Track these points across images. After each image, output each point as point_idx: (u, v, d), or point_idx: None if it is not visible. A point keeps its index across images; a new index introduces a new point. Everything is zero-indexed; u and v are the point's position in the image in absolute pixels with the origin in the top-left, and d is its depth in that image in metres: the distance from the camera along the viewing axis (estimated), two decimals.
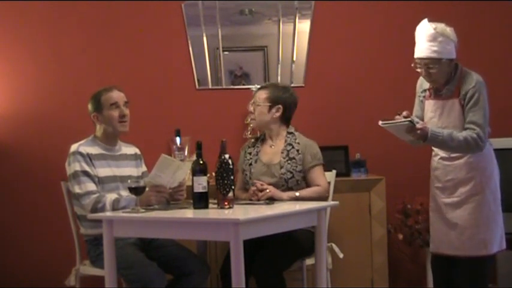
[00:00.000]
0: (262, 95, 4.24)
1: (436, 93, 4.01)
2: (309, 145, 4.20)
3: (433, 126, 3.90)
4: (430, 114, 4.02)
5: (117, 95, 4.04)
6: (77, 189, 3.87)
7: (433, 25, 3.90)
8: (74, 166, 3.89)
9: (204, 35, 5.29)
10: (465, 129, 3.85)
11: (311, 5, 5.34)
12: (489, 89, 3.96)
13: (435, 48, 3.85)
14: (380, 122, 3.83)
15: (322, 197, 4.13)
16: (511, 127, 5.17)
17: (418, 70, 3.94)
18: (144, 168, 4.21)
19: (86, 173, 3.87)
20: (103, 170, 3.95)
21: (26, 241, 5.11)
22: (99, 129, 4.07)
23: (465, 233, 3.91)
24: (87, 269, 4.05)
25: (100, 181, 3.92)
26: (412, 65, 3.96)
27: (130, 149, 4.20)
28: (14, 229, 5.11)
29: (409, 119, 3.78)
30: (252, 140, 4.44)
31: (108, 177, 3.94)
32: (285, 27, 5.35)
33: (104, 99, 4.01)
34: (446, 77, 3.95)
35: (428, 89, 4.07)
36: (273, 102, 4.21)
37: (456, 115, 3.91)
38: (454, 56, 3.91)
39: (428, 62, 3.88)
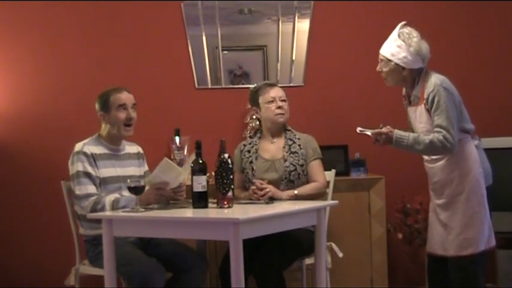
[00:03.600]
0: (282, 91, 4.34)
1: (410, 100, 4.09)
2: (309, 140, 4.29)
3: (400, 131, 3.97)
4: (411, 121, 4.13)
5: (125, 97, 4.03)
6: (76, 191, 3.87)
7: (403, 29, 3.99)
8: (77, 166, 3.89)
9: (204, 34, 5.30)
10: (434, 132, 3.89)
11: (310, 5, 5.34)
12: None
13: (390, 49, 3.98)
14: (358, 129, 3.96)
15: (321, 193, 4.16)
16: (502, 127, 5.17)
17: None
18: (146, 168, 4.21)
19: (87, 175, 3.87)
20: (107, 170, 3.95)
21: (25, 241, 5.11)
22: (104, 129, 4.06)
23: (451, 233, 3.96)
24: (87, 269, 4.05)
25: (103, 181, 3.91)
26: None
27: (133, 148, 4.21)
28: (14, 229, 5.11)
29: (375, 130, 3.93)
30: (248, 138, 4.45)
31: (111, 178, 3.94)
32: (284, 26, 5.35)
33: (113, 99, 4.00)
34: (396, 82, 4.06)
35: (404, 97, 4.17)
36: (287, 98, 4.33)
37: (425, 120, 3.96)
38: (410, 66, 3.95)
39: (381, 59, 4.04)
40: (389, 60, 3.98)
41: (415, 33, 3.97)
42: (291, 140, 4.25)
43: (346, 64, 5.40)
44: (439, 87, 3.87)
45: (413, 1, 5.32)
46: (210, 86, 5.31)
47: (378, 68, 4.06)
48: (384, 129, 3.90)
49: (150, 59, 5.25)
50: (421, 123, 3.98)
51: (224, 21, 5.31)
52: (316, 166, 4.21)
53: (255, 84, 4.52)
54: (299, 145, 4.22)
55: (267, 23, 5.40)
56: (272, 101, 4.24)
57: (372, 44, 5.37)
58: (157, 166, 3.74)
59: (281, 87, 4.41)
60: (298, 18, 5.35)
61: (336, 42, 5.40)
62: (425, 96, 3.91)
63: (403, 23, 4.02)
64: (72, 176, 3.92)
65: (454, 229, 3.94)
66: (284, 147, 4.23)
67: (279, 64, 5.36)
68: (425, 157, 4.08)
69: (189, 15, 5.27)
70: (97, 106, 4.06)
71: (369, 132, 3.94)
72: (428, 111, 3.91)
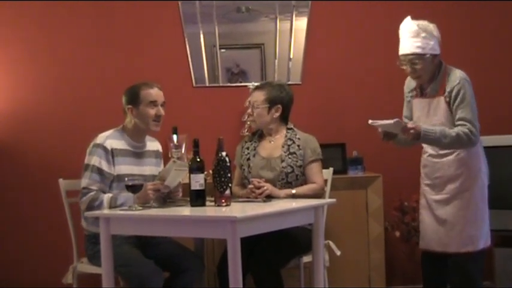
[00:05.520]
0: (260, 96, 4.23)
1: (422, 92, 4.08)
2: (309, 140, 4.24)
3: (424, 125, 3.95)
4: (418, 113, 4.08)
5: (156, 93, 3.99)
6: (83, 183, 3.85)
7: (415, 22, 3.99)
8: (93, 159, 3.84)
9: (201, 32, 5.29)
10: (456, 126, 3.90)
11: (308, 3, 5.34)
12: (479, 88, 4.02)
13: (418, 44, 3.94)
14: (369, 121, 3.90)
15: (318, 195, 4.15)
16: (500, 125, 5.17)
17: (403, 67, 4.01)
18: (161, 167, 4.18)
19: (98, 170, 3.83)
20: (124, 168, 3.91)
21: (23, 239, 5.11)
22: (129, 122, 4.00)
23: (454, 229, 3.97)
24: (85, 267, 4.05)
25: (117, 178, 3.87)
26: (397, 63, 4.04)
27: (154, 145, 4.17)
28: (12, 227, 5.11)
29: (396, 119, 3.85)
30: (249, 135, 4.44)
31: (126, 175, 3.83)
32: (282, 24, 5.35)
33: (144, 94, 3.95)
34: (430, 74, 4.01)
35: (415, 89, 4.13)
36: (271, 103, 4.21)
37: (442, 113, 3.96)
38: (438, 52, 3.99)
39: (413, 58, 3.96)
40: (423, 55, 3.94)
41: (424, 21, 3.99)
42: (290, 139, 4.23)
43: (343, 62, 5.40)
44: (464, 80, 3.91)
45: (411, 0, 5.32)
46: (207, 84, 5.31)
47: (408, 71, 3.99)
48: (410, 124, 3.87)
49: (147, 57, 5.25)
50: (436, 116, 3.97)
51: (222, 20, 5.31)
52: (314, 168, 4.18)
53: (253, 83, 4.51)
54: (298, 145, 4.20)
55: (265, 21, 5.39)
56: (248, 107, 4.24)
57: (369, 42, 5.40)
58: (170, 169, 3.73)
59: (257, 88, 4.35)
60: (295, 16, 5.35)
61: (334, 41, 5.40)
62: (448, 89, 3.92)
63: (409, 17, 4.03)
64: (85, 166, 3.88)
65: (456, 225, 3.95)
66: (283, 147, 4.21)
67: (276, 62, 5.35)
68: (431, 151, 4.06)
69: (186, 14, 5.26)
70: (125, 99, 3.99)
71: (380, 124, 3.89)
72: (448, 104, 3.92)
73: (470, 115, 3.87)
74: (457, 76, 3.94)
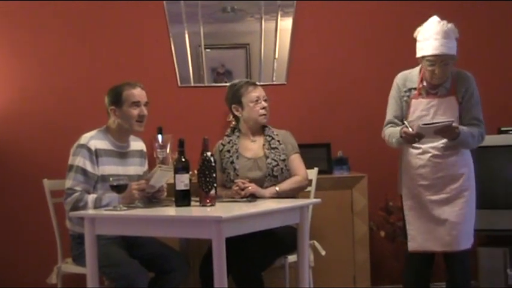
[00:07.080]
0: (263, 91, 4.29)
1: (429, 91, 4.03)
2: (287, 135, 4.30)
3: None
4: (421, 112, 4.02)
5: (139, 94, 3.97)
6: (67, 184, 3.82)
7: (443, 21, 3.97)
8: (77, 160, 3.82)
9: (186, 32, 5.29)
10: (468, 125, 3.95)
11: (293, 3, 5.34)
12: None
13: (450, 45, 3.92)
14: (421, 124, 3.83)
15: (302, 186, 4.19)
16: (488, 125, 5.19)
17: (430, 68, 3.93)
18: (146, 167, 4.17)
19: (83, 171, 3.81)
20: (108, 168, 3.90)
21: (7, 239, 5.09)
22: (113, 122, 3.98)
23: (455, 229, 3.97)
24: (69, 267, 4.04)
25: (102, 178, 3.86)
26: (422, 62, 3.99)
27: (138, 145, 4.16)
28: None
29: (451, 119, 3.85)
30: (225, 137, 4.41)
31: (111, 176, 3.79)
32: (267, 24, 5.35)
33: (126, 95, 3.93)
34: None
35: (418, 88, 4.06)
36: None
37: (452, 112, 3.98)
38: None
39: (445, 59, 3.91)
40: (453, 55, 3.94)
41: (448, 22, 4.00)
42: (269, 136, 4.25)
43: (328, 62, 5.41)
44: (473, 81, 4.00)
45: (395, 1, 5.33)
46: (192, 84, 5.31)
47: (437, 71, 3.91)
48: (454, 124, 3.84)
49: (132, 57, 5.24)
50: (444, 115, 3.95)
51: (207, 19, 5.31)
52: (296, 160, 4.22)
53: (233, 82, 4.51)
54: (278, 141, 4.23)
55: (250, 21, 5.40)
56: (257, 101, 4.23)
57: (354, 42, 5.41)
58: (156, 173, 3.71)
59: (261, 85, 4.38)
60: (281, 16, 5.36)
61: (319, 41, 5.41)
62: (462, 89, 3.97)
63: (436, 17, 3.99)
64: (69, 167, 3.86)
65: (458, 224, 3.97)
66: (264, 145, 4.23)
67: (261, 62, 5.35)
68: (435, 151, 4.02)
69: (171, 13, 5.26)
70: (107, 99, 3.97)
71: (433, 126, 3.81)
72: (460, 103, 3.97)
73: (481, 115, 3.98)
74: (469, 76, 4.02)
